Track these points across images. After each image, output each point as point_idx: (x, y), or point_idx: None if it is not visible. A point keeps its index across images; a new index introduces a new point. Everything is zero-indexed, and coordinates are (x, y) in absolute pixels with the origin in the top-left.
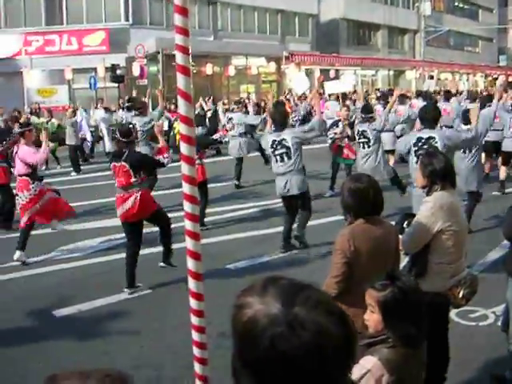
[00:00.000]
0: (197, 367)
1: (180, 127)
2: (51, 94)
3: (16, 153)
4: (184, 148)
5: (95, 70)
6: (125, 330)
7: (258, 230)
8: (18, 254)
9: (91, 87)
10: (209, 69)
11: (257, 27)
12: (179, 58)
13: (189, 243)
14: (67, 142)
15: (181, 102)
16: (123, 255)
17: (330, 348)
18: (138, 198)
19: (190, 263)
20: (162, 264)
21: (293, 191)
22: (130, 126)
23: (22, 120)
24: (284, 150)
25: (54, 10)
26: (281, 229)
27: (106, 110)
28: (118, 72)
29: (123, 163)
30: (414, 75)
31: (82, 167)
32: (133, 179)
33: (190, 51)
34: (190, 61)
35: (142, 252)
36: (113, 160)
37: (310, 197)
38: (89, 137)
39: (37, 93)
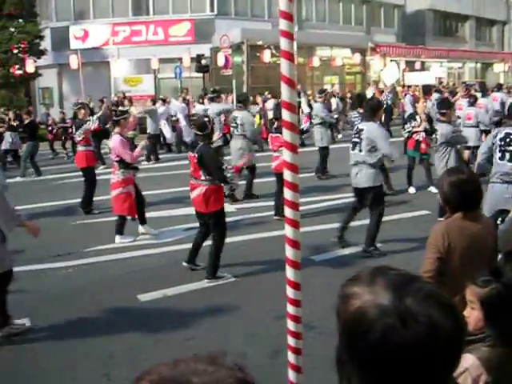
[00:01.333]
0: (291, 357)
1: (283, 113)
2: (137, 83)
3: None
4: (287, 134)
5: (180, 59)
6: (208, 317)
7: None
8: (117, 238)
9: (176, 77)
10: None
11: (342, 18)
12: (283, 44)
13: (288, 231)
14: (148, 131)
15: (284, 87)
16: (208, 243)
17: (441, 341)
18: (203, 191)
19: (289, 251)
20: (185, 264)
21: (361, 184)
22: (206, 119)
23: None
24: (358, 141)
25: (141, 1)
26: (367, 222)
27: (185, 100)
28: (203, 62)
29: (195, 154)
30: (503, 68)
31: (160, 156)
32: (201, 172)
33: (295, 37)
34: (295, 47)
35: (226, 240)
36: (190, 149)
37: (382, 197)
38: (167, 126)
39: (123, 82)
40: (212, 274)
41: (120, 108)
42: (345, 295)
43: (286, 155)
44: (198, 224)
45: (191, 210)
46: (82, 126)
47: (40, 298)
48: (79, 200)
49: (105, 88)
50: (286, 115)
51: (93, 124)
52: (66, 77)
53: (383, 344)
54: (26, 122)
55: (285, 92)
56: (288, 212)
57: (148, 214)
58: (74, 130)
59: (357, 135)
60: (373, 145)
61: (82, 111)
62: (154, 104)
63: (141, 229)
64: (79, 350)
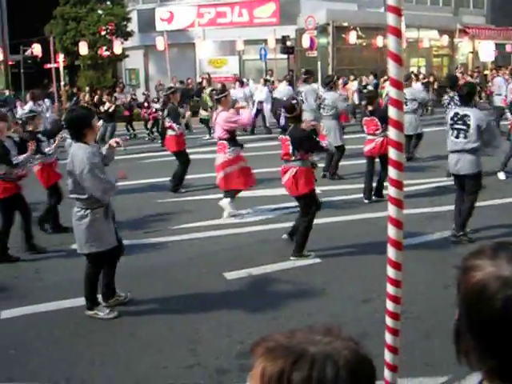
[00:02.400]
0: (388, 338)
1: (390, 90)
2: (222, 65)
3: (215, 119)
4: (392, 112)
5: (265, 41)
6: (293, 298)
7: (431, 206)
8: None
9: (261, 58)
10: (379, 41)
11: None
12: (391, 19)
13: (392, 210)
14: None
15: (391, 64)
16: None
17: None
18: (294, 172)
19: (392, 231)
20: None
21: (463, 170)
22: (294, 101)
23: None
24: (463, 127)
25: None
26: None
27: (267, 82)
28: (288, 44)
29: (287, 137)
30: None
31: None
32: (291, 154)
33: (403, 17)
34: (403, 23)
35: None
36: (282, 132)
37: (480, 184)
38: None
39: (208, 63)
40: (298, 252)
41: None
42: (466, 267)
43: (392, 133)
44: (284, 204)
45: (277, 191)
46: (175, 110)
47: (127, 273)
48: (162, 179)
49: (190, 69)
50: (392, 92)
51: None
52: (152, 58)
53: (503, 314)
54: (106, 107)
55: (392, 69)
56: (392, 191)
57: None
58: (165, 113)
59: (460, 122)
60: (479, 132)
61: (176, 95)
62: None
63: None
64: (165, 324)
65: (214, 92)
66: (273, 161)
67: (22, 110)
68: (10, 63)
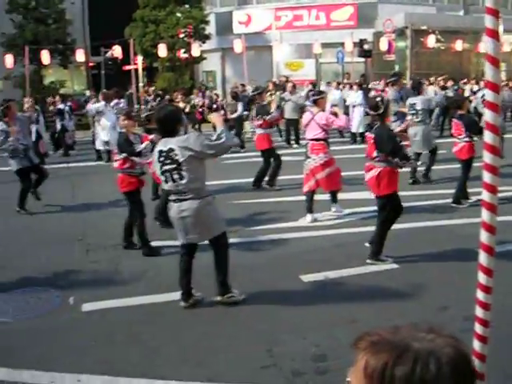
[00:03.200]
0: (476, 344)
1: (486, 93)
2: (298, 68)
3: (311, 119)
4: (489, 115)
5: (343, 44)
6: (369, 302)
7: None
8: (308, 217)
9: (338, 61)
10: (458, 45)
11: (511, 1)
12: (488, 21)
13: (485, 215)
14: (286, 116)
15: (489, 67)
16: (370, 228)
17: None
18: (377, 172)
19: (484, 236)
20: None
21: None
22: (378, 99)
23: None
24: None
25: None
26: None
27: (339, 85)
28: (366, 47)
29: (372, 135)
30: None
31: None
32: (375, 153)
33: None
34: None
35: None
36: (368, 130)
37: None
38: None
39: (285, 66)
40: (374, 256)
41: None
42: None
43: (487, 137)
44: (362, 209)
45: (355, 195)
46: (262, 108)
47: (207, 273)
48: (238, 180)
49: (266, 72)
50: (489, 96)
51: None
52: (229, 60)
53: None
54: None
55: (489, 71)
56: (486, 195)
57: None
58: (254, 113)
59: None
60: None
61: (262, 96)
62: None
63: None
64: (242, 323)
65: (311, 93)
66: (348, 164)
67: (90, 108)
68: (91, 64)
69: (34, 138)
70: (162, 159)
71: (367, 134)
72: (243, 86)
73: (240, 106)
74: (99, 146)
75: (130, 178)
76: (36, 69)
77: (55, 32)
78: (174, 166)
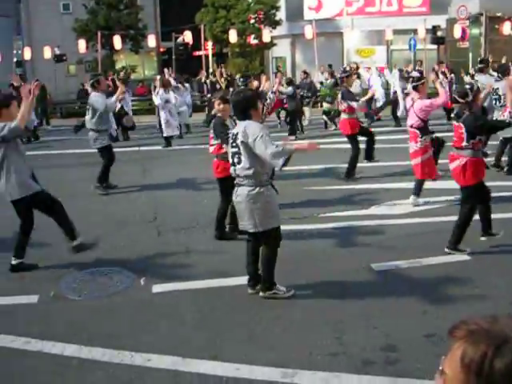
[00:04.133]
0: None
1: None
2: (369, 55)
3: (411, 106)
4: None
5: (415, 31)
6: (441, 293)
7: None
8: (411, 198)
9: (410, 48)
10: None
11: None
12: None
13: None
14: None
15: None
16: (449, 218)
17: None
18: (463, 162)
19: None
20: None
21: None
22: (467, 86)
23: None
24: None
25: None
26: None
27: (401, 71)
28: (439, 34)
29: (460, 124)
30: None
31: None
32: (464, 143)
33: None
34: None
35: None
36: (455, 119)
37: None
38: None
39: (355, 53)
40: (453, 244)
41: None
42: None
43: None
44: (435, 199)
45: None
46: (349, 93)
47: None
48: (315, 166)
49: (336, 59)
50: None
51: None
52: (299, 47)
53: None
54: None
55: None
56: None
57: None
58: (340, 97)
59: None
60: None
61: (350, 79)
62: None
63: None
64: (310, 310)
65: (411, 79)
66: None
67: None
68: (162, 50)
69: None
70: (231, 141)
71: (454, 122)
72: (305, 73)
73: (290, 90)
74: (169, 132)
75: (226, 164)
76: (108, 54)
77: (127, 17)
78: (236, 149)
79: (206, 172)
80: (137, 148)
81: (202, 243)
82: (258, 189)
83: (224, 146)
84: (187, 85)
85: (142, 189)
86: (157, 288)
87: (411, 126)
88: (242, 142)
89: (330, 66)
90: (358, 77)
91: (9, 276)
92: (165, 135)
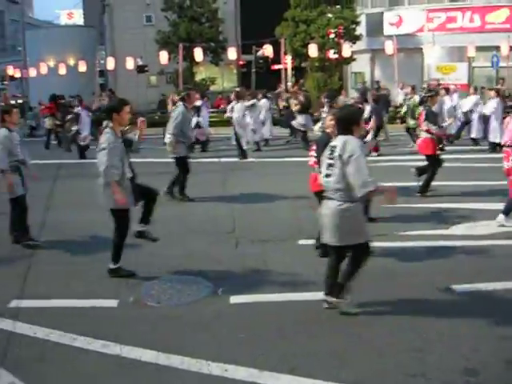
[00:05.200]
0: None
1: None
2: (450, 72)
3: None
4: None
5: (497, 48)
6: None
7: None
8: (499, 217)
9: (493, 66)
10: None
11: None
12: None
13: None
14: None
15: None
16: None
17: None
18: None
19: None
20: None
21: None
22: None
23: None
24: None
25: None
26: None
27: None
28: None
29: None
30: None
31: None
32: None
33: None
34: None
35: None
36: None
37: None
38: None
39: (436, 69)
40: None
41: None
42: None
43: None
44: None
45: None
46: (433, 113)
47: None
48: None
49: (416, 75)
50: None
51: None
52: (379, 62)
53: None
54: None
55: None
56: None
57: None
58: (424, 117)
59: None
60: None
61: (434, 99)
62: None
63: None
64: (389, 328)
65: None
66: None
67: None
68: (241, 63)
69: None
70: (328, 153)
71: None
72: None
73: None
74: (244, 145)
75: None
76: (188, 65)
77: (208, 30)
78: (331, 161)
79: (285, 185)
80: (217, 159)
81: (280, 256)
82: (346, 204)
83: None
84: (264, 100)
85: (221, 199)
86: (234, 299)
87: (505, 145)
88: (339, 155)
89: (413, 87)
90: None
91: (90, 280)
92: (242, 147)
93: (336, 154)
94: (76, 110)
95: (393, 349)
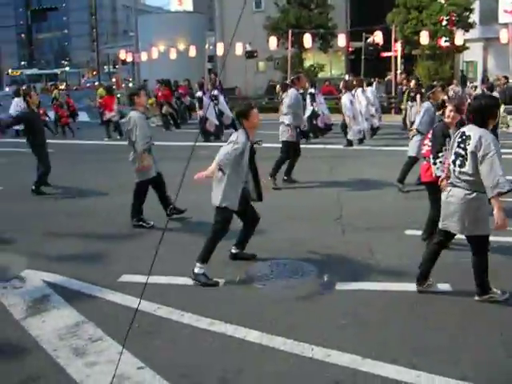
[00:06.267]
0: None
1: None
2: None
3: None
4: None
5: None
6: None
7: None
8: None
9: None
10: None
11: None
12: None
13: None
14: None
15: None
16: None
17: None
18: None
19: None
20: None
21: None
22: None
23: None
24: None
25: None
26: None
27: None
28: None
29: None
30: None
31: None
32: None
33: None
34: None
35: None
36: None
37: None
38: None
39: None
40: None
41: None
42: None
43: None
44: None
45: None
46: None
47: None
48: None
49: None
50: None
51: None
52: (492, 51)
53: None
54: None
55: None
56: None
57: None
58: None
59: None
60: None
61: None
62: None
63: None
64: (495, 322)
65: None
66: None
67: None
68: (350, 50)
69: None
70: (459, 140)
71: None
72: (506, 78)
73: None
74: (350, 136)
75: None
76: (297, 52)
77: (317, 17)
78: (462, 152)
79: (393, 174)
80: (322, 146)
81: (387, 245)
82: (475, 194)
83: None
84: (369, 88)
85: (328, 186)
86: (340, 286)
87: None
88: (471, 151)
89: None
90: None
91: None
92: (348, 137)
93: (469, 148)
94: (197, 94)
95: (496, 344)
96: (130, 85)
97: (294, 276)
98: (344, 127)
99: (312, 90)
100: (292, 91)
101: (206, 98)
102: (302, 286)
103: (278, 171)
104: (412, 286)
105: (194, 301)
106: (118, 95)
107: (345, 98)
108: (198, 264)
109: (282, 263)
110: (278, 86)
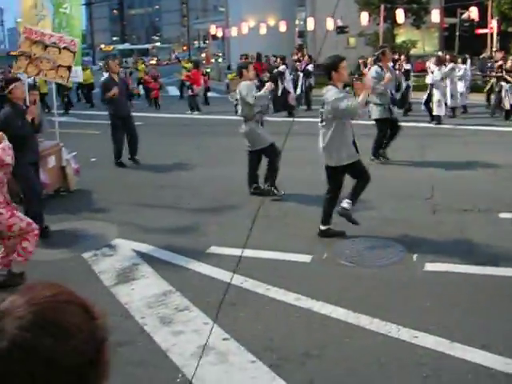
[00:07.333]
0: None
1: None
2: None
3: None
4: None
5: None
6: None
7: None
8: None
9: None
10: None
11: None
12: None
13: None
14: None
15: None
16: None
17: None
18: None
19: None
20: None
21: None
22: None
23: None
24: None
25: None
26: None
27: None
28: None
29: None
30: None
31: None
32: None
33: None
34: None
35: None
36: None
37: None
38: None
39: None
40: None
41: None
42: None
43: None
44: None
45: None
46: None
47: None
48: None
49: None
50: None
51: None
52: None
53: None
54: None
55: None
56: None
57: None
58: None
59: None
60: None
61: None
62: None
63: None
64: None
65: None
66: None
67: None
68: (444, 26)
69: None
70: None
71: None
72: None
73: None
74: (438, 111)
75: None
76: (389, 27)
77: None
78: None
79: (486, 154)
80: (414, 124)
81: (479, 227)
82: None
83: None
84: (464, 66)
85: (420, 165)
86: (429, 266)
87: None
88: None
89: None
90: None
91: (287, 234)
92: (434, 113)
93: None
94: (281, 68)
95: None
96: (220, 60)
97: (382, 255)
98: (427, 103)
99: (407, 67)
100: (373, 69)
101: (288, 72)
102: (389, 265)
103: (378, 150)
104: (505, 271)
105: (281, 275)
106: (208, 70)
107: (437, 73)
108: (347, 200)
109: (370, 241)
110: (369, 59)
